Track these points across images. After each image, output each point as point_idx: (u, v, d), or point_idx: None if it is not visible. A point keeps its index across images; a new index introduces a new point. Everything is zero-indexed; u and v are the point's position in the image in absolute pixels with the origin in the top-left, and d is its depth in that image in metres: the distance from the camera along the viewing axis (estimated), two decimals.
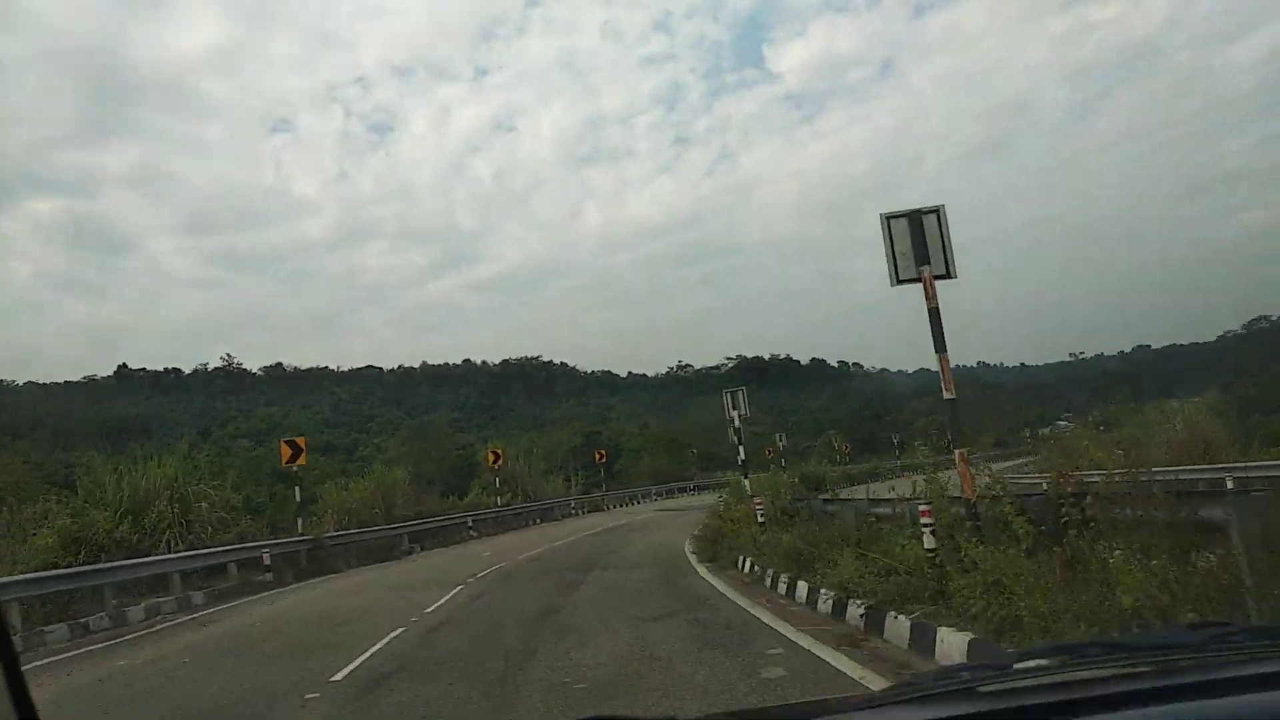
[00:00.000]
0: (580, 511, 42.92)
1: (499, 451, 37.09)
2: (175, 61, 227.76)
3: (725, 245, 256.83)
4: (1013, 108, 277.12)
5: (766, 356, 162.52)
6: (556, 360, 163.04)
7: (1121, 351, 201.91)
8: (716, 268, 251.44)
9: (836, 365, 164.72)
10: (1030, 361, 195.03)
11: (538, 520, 38.12)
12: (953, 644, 6.77)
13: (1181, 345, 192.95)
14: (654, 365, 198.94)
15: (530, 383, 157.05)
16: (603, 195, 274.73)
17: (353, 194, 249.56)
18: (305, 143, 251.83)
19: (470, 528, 31.62)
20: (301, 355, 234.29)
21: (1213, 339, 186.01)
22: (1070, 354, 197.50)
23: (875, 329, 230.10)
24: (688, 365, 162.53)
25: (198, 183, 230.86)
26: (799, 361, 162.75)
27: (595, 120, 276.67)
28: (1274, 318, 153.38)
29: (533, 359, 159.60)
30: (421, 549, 27.62)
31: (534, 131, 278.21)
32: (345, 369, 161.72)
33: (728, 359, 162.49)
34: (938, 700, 1.55)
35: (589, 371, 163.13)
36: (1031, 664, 1.77)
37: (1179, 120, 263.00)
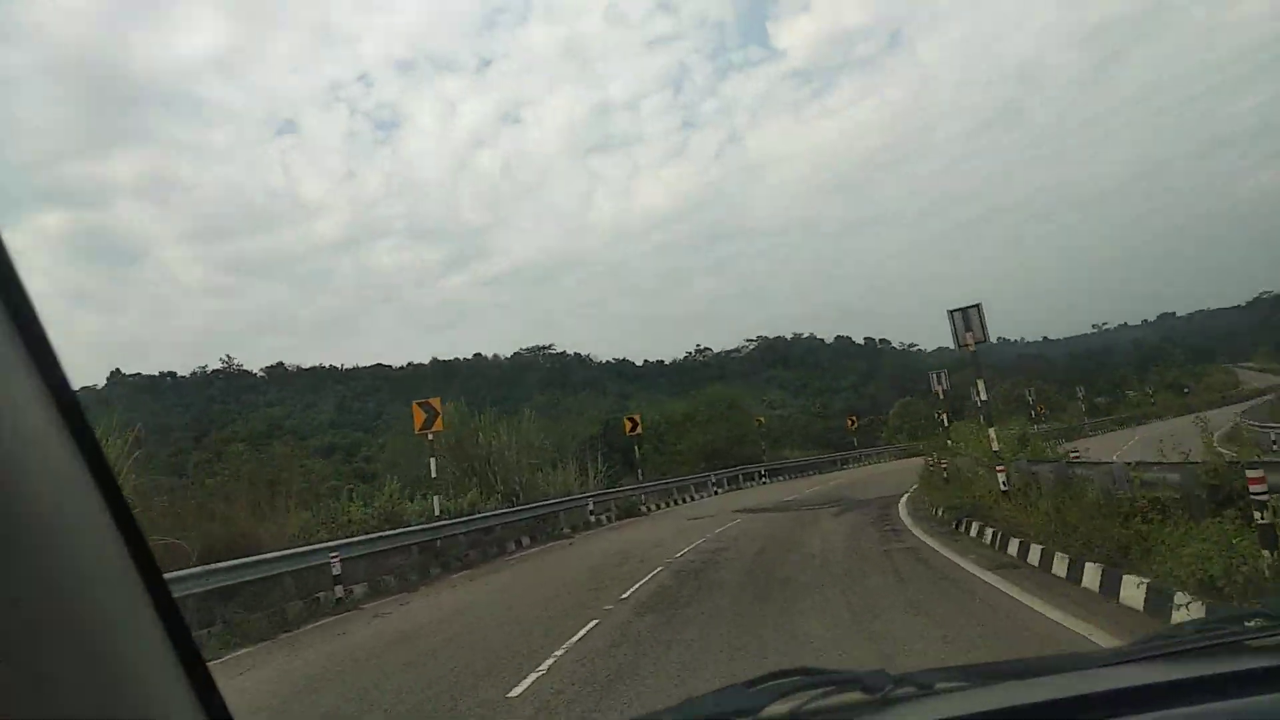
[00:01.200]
0: (606, 518, 23.43)
1: (434, 403, 17.56)
2: (177, 66, 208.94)
3: (738, 228, 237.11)
4: (1022, 76, 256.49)
5: (789, 336, 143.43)
6: (570, 350, 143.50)
7: (1145, 320, 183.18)
8: (730, 251, 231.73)
9: (863, 342, 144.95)
10: (1052, 335, 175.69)
11: (523, 542, 18.65)
12: None
13: (1210, 310, 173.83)
14: (671, 351, 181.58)
15: (543, 374, 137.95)
16: (613, 184, 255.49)
17: (361, 193, 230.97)
18: (311, 143, 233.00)
19: (340, 579, 12.11)
20: (309, 358, 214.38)
21: (1243, 303, 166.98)
22: (1093, 325, 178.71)
23: (897, 304, 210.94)
24: (706, 349, 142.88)
25: (205, 189, 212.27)
26: (823, 340, 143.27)
27: (602, 107, 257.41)
28: None
29: (544, 348, 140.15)
30: None
31: (540, 122, 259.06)
32: (350, 367, 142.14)
33: (748, 340, 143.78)
34: (1199, 656, 1.28)
35: (604, 360, 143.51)
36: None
37: (1192, 78, 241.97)
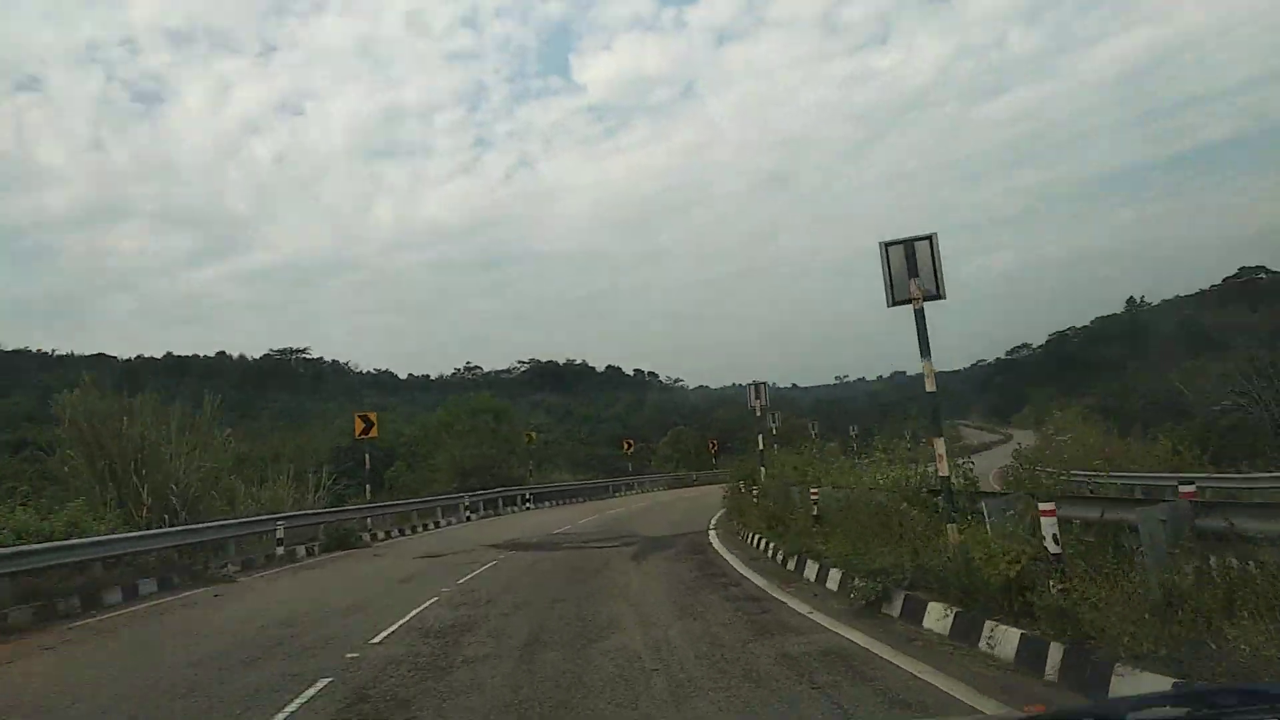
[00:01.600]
0: (307, 550, 16.30)
1: None
2: None
3: (522, 251, 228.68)
4: (795, 142, 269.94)
5: (561, 361, 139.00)
6: (327, 357, 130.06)
7: (880, 376, 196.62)
8: (512, 273, 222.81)
9: (633, 374, 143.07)
10: (801, 383, 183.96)
11: (140, 589, 11.38)
12: None
13: (935, 372, 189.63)
14: (439, 367, 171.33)
15: (294, 379, 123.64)
16: (395, 192, 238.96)
17: (108, 166, 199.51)
18: (56, 105, 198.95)
19: None
20: (10, 341, 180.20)
21: (963, 368, 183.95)
22: (835, 377, 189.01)
23: (667, 341, 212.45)
24: (476, 367, 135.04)
25: None
26: (595, 368, 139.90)
27: (393, 112, 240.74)
28: (1034, 346, 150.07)
29: (299, 352, 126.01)
30: None
31: (325, 117, 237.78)
32: (63, 354, 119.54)
33: (520, 362, 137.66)
34: None
35: (364, 370, 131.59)
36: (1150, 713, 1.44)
37: (940, 167, 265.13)
